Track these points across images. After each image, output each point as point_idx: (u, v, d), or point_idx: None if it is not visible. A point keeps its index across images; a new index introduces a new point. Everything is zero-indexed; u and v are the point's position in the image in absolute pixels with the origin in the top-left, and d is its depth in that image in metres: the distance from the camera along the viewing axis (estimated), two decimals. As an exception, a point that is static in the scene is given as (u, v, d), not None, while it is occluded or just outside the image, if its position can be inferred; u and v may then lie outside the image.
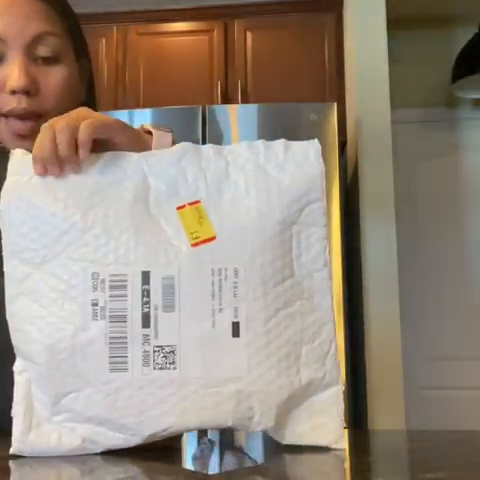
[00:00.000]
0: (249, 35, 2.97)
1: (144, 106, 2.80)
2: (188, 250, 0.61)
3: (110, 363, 0.59)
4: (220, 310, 0.60)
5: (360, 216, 2.43)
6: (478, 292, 3.14)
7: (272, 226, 0.62)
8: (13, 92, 0.78)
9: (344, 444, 0.61)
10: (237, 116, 2.46)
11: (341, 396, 0.63)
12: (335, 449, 0.61)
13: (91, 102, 0.92)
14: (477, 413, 3.00)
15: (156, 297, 0.60)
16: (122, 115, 2.44)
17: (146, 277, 0.60)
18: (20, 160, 0.65)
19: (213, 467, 0.60)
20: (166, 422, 0.59)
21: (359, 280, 2.46)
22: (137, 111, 2.50)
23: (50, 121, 0.63)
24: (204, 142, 2.37)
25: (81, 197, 0.63)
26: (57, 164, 0.61)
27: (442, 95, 3.25)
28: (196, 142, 0.69)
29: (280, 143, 0.66)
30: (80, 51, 0.88)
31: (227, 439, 0.74)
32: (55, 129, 0.61)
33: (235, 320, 0.60)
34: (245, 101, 2.87)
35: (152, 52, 2.98)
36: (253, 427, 0.60)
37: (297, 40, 2.94)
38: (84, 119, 0.62)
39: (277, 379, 0.60)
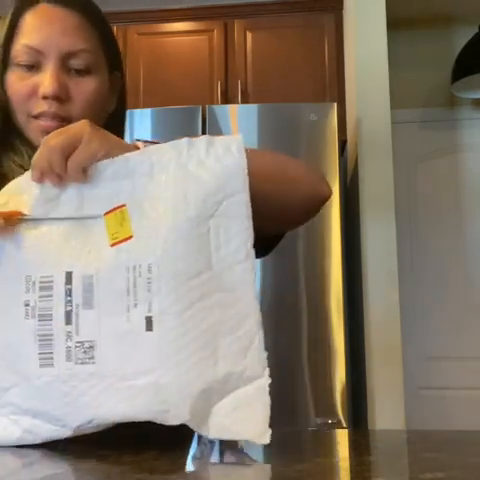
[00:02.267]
0: (249, 35, 2.97)
1: (144, 106, 2.80)
2: (107, 250, 0.65)
3: (40, 359, 0.64)
4: (135, 305, 0.63)
5: (360, 216, 2.43)
6: (478, 292, 3.14)
7: (186, 221, 0.64)
8: (45, 97, 0.83)
9: (268, 439, 0.59)
10: (237, 116, 2.47)
11: (266, 390, 0.61)
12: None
13: (120, 113, 0.97)
14: (477, 413, 3.00)
15: (77, 296, 0.64)
16: (122, 115, 2.44)
17: (69, 277, 0.64)
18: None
19: (213, 467, 0.60)
20: (88, 414, 0.62)
21: (359, 280, 2.46)
22: (137, 111, 2.50)
23: (49, 136, 0.68)
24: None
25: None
26: (54, 175, 0.67)
27: (442, 95, 3.25)
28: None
29: (203, 139, 0.68)
30: (113, 65, 0.93)
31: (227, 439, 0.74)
32: (49, 147, 0.66)
33: (148, 315, 0.62)
34: (245, 101, 2.87)
35: (152, 52, 2.98)
36: (171, 420, 0.61)
37: (297, 40, 2.94)
38: (78, 138, 0.66)
39: (190, 371, 0.61)
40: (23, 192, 0.69)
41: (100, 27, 0.89)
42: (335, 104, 2.44)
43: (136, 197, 0.66)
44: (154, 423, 0.64)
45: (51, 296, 0.64)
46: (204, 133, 2.43)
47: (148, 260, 0.63)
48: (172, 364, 0.61)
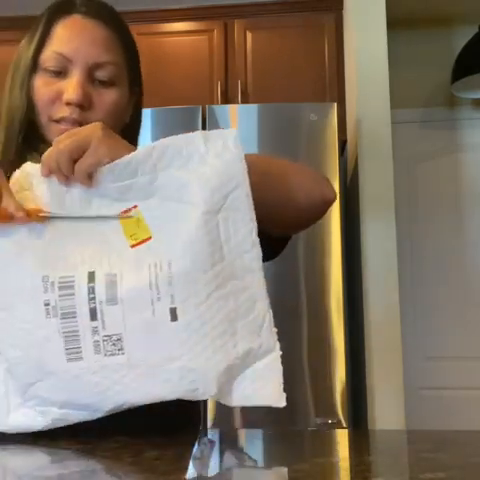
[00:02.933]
0: (249, 35, 2.97)
1: (144, 106, 2.79)
2: (128, 250, 0.69)
3: (66, 354, 0.67)
4: (158, 299, 0.67)
5: (360, 216, 2.43)
6: (478, 292, 3.14)
7: (197, 218, 0.68)
8: (68, 103, 0.87)
9: (284, 402, 0.67)
10: (237, 116, 2.47)
11: (279, 360, 0.69)
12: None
13: (135, 124, 1.03)
14: (477, 413, 3.00)
15: (100, 293, 0.67)
16: (122, 115, 2.44)
17: (92, 276, 0.68)
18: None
19: (213, 467, 0.60)
20: (122, 399, 0.67)
21: (359, 280, 2.46)
22: (137, 111, 2.49)
23: (60, 137, 0.71)
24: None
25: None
26: (61, 174, 0.70)
27: (442, 95, 3.25)
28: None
29: (199, 136, 0.71)
30: (134, 80, 0.98)
31: (227, 439, 0.74)
32: (58, 148, 0.69)
33: (172, 306, 0.67)
34: (245, 101, 2.87)
35: (152, 52, 2.98)
36: (200, 396, 0.67)
37: (297, 40, 2.94)
38: (87, 142, 0.69)
39: (215, 354, 0.67)
40: (25, 189, 0.71)
41: (127, 43, 0.94)
42: (335, 104, 2.44)
43: (143, 196, 0.70)
44: (156, 418, 0.68)
45: (72, 295, 0.67)
46: (204, 133, 2.43)
47: (168, 257, 0.67)
48: (198, 349, 0.66)
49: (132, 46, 0.96)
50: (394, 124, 2.66)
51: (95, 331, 0.67)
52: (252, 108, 2.51)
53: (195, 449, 0.67)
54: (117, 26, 0.92)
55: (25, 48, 0.91)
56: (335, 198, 0.84)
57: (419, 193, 3.24)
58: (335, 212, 2.34)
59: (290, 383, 2.32)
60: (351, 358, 2.57)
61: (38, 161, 0.88)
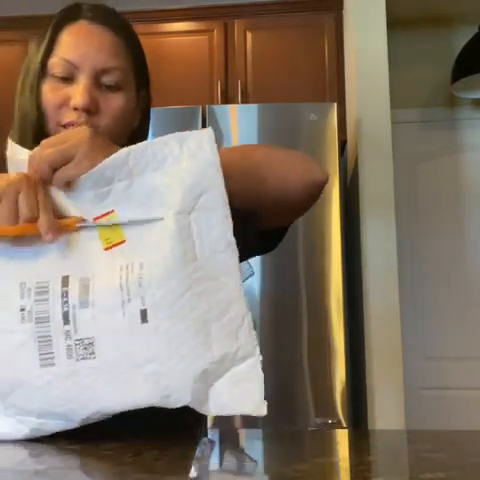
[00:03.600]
0: (249, 35, 2.97)
1: (144, 106, 2.79)
2: (101, 254, 0.69)
3: (40, 359, 0.67)
4: (129, 300, 0.66)
5: (360, 216, 2.43)
6: (478, 292, 3.14)
7: (169, 219, 0.67)
8: (75, 109, 0.88)
9: (264, 411, 0.64)
10: (237, 116, 2.47)
11: (259, 366, 0.66)
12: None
13: (143, 128, 1.01)
14: (477, 413, 3.00)
15: (73, 297, 0.67)
16: (122, 115, 2.44)
17: (65, 281, 0.67)
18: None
19: (213, 467, 0.60)
20: (94, 406, 0.66)
21: (359, 280, 2.46)
22: (137, 111, 2.50)
23: (47, 140, 0.72)
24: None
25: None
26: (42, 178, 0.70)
27: (442, 95, 3.25)
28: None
29: (175, 137, 0.71)
30: (141, 84, 0.97)
31: (227, 439, 0.74)
32: (42, 154, 0.70)
33: (143, 308, 0.66)
34: (245, 101, 2.87)
35: (152, 52, 2.97)
36: (173, 404, 0.65)
37: (297, 40, 2.94)
38: (72, 153, 0.69)
39: (187, 357, 0.65)
40: None
41: (134, 48, 0.95)
42: (335, 104, 2.44)
43: (120, 201, 0.70)
44: (156, 417, 0.67)
45: (47, 300, 0.67)
46: (204, 133, 2.44)
47: (139, 259, 0.67)
48: (169, 352, 0.65)
49: (139, 50, 0.97)
50: (394, 124, 2.66)
51: (68, 335, 0.66)
52: (252, 108, 2.51)
53: (195, 449, 0.67)
54: (123, 31, 0.93)
55: (34, 53, 0.92)
56: (327, 179, 0.84)
57: (419, 193, 3.24)
58: (335, 212, 2.35)
59: (290, 383, 2.33)
60: (351, 358, 2.57)
61: None
